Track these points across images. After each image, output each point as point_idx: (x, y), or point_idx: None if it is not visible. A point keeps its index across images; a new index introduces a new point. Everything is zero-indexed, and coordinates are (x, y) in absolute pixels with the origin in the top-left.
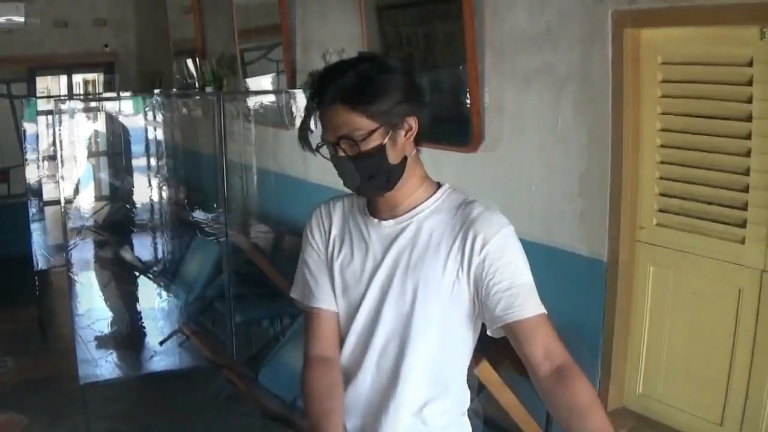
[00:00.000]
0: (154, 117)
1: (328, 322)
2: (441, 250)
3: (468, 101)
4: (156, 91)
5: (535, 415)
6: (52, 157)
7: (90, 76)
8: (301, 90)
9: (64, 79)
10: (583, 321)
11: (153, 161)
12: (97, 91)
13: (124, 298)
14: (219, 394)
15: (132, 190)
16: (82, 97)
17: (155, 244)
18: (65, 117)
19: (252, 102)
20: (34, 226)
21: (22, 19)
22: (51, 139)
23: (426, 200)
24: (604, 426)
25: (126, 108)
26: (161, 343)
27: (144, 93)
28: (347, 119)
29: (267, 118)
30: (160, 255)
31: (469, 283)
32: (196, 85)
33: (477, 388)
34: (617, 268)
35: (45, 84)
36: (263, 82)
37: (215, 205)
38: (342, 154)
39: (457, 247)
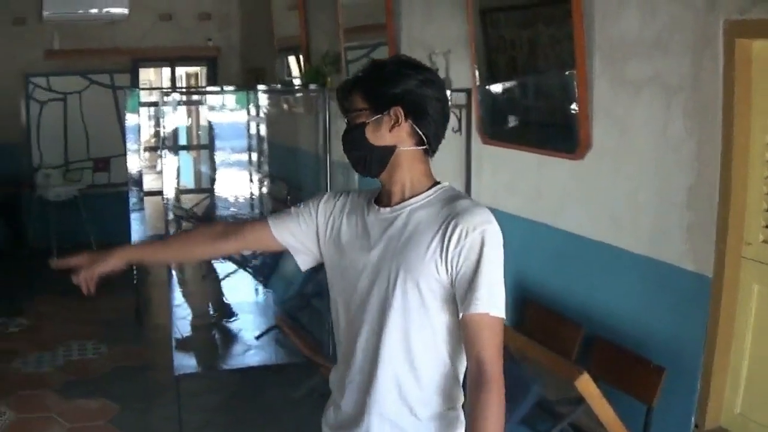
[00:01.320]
0: (257, 112)
1: (259, 230)
2: (424, 237)
3: (575, 107)
4: (259, 86)
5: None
6: (154, 148)
7: (192, 70)
8: None
9: (167, 71)
10: (684, 338)
11: (254, 156)
12: (199, 85)
13: (221, 291)
14: (313, 392)
15: (232, 184)
16: (184, 89)
17: None
18: (167, 109)
19: None
20: (134, 216)
21: (125, 11)
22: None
23: (421, 194)
24: None
25: (228, 102)
26: (258, 337)
27: (248, 87)
28: (353, 97)
29: None
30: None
31: (447, 270)
32: (300, 82)
33: (576, 401)
34: (722, 284)
35: (148, 76)
36: None
37: None
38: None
39: (440, 236)
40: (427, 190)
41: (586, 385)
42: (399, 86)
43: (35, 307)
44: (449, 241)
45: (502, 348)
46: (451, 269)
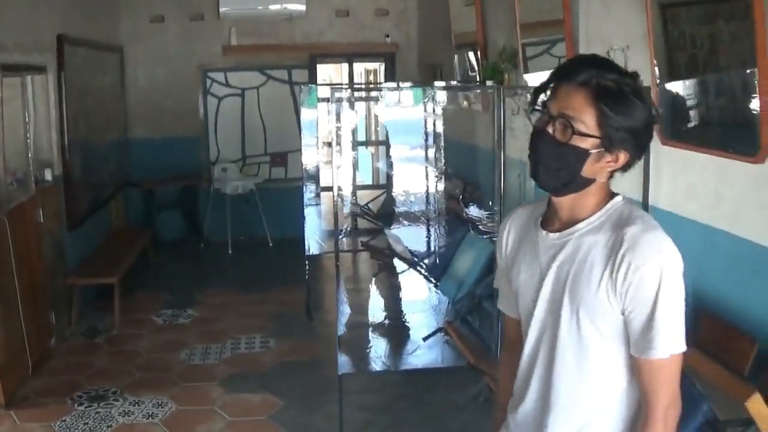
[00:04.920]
0: (434, 109)
1: (509, 324)
2: (594, 271)
3: (756, 108)
4: (436, 82)
5: None
6: (330, 144)
7: (371, 66)
8: None
9: (345, 67)
10: None
11: (430, 153)
12: (377, 81)
13: (391, 290)
14: (478, 397)
15: (408, 181)
16: (362, 86)
17: (428, 237)
18: (345, 105)
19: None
20: (308, 211)
21: (303, 8)
22: (329, 126)
23: (589, 216)
24: None
25: (405, 99)
26: (425, 339)
27: (423, 84)
28: (581, 107)
29: None
30: (431, 248)
31: (620, 308)
32: (477, 78)
33: (747, 421)
34: None
35: (326, 71)
36: (543, 78)
37: (491, 202)
38: (550, 129)
39: (609, 271)
40: (597, 211)
41: (756, 405)
42: (635, 123)
43: (207, 299)
44: (617, 275)
45: (678, 379)
46: (623, 306)
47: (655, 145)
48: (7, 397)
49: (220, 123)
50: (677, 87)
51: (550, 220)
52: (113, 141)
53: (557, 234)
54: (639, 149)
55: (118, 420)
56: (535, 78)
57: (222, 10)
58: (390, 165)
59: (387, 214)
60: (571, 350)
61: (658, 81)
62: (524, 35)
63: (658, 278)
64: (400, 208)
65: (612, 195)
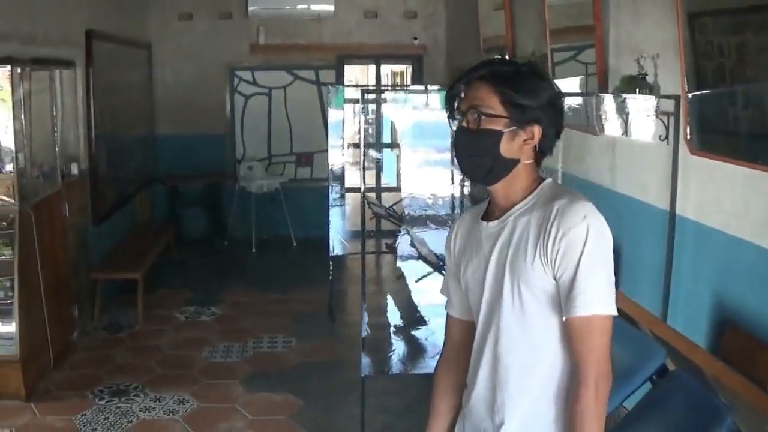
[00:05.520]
0: None
1: (454, 327)
2: (529, 244)
3: None
4: None
5: None
6: (356, 145)
7: (398, 68)
8: (612, 95)
9: (372, 68)
10: None
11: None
12: (404, 83)
13: (415, 292)
14: None
15: (433, 184)
16: (388, 87)
17: None
18: (371, 106)
19: None
20: (333, 211)
21: (331, 8)
22: (356, 126)
23: (522, 199)
24: None
25: (432, 101)
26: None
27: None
28: (484, 95)
29: (576, 121)
30: None
31: (552, 274)
32: None
33: None
34: None
35: (352, 73)
36: (571, 83)
37: None
38: (465, 124)
39: (541, 243)
40: (529, 194)
41: None
42: (539, 100)
43: (230, 297)
44: (547, 243)
45: (608, 346)
46: (554, 272)
47: (684, 155)
48: (28, 389)
49: (247, 121)
50: (705, 96)
51: (491, 213)
52: (139, 137)
53: (496, 222)
54: (551, 125)
55: (138, 415)
56: (564, 84)
57: (251, 9)
58: (416, 167)
59: (410, 215)
60: (516, 323)
61: (687, 90)
62: (553, 40)
63: (582, 242)
64: (426, 211)
65: (542, 180)
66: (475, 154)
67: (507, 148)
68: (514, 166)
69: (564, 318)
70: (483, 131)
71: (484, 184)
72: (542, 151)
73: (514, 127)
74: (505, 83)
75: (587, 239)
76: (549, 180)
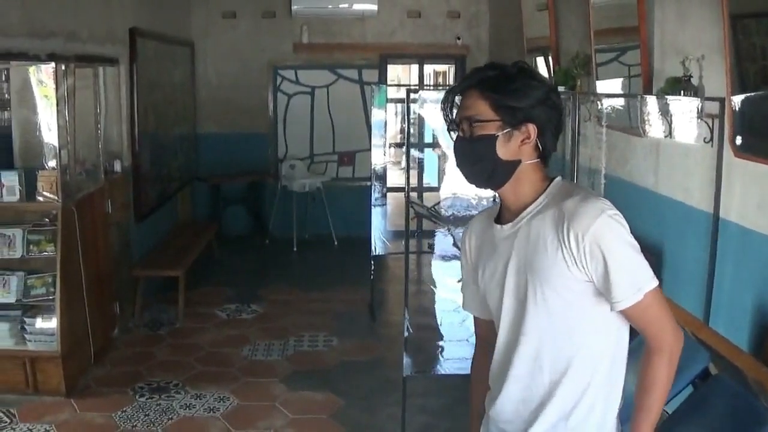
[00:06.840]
0: None
1: (478, 324)
2: (547, 245)
3: None
4: None
5: None
6: (399, 145)
7: (441, 68)
8: (656, 96)
9: (415, 68)
10: None
11: None
12: (447, 83)
13: (456, 292)
14: None
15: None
16: (432, 87)
17: None
18: (414, 106)
19: (604, 105)
20: (375, 211)
21: (375, 8)
22: (399, 126)
23: (534, 200)
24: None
25: None
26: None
27: None
28: (474, 103)
29: (619, 123)
30: None
31: (585, 277)
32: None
33: None
34: None
35: (395, 72)
36: (614, 85)
37: None
38: (461, 133)
39: (558, 243)
40: (540, 194)
41: None
42: (530, 100)
43: (271, 296)
44: (569, 248)
45: (667, 310)
46: (588, 275)
47: (727, 157)
48: (68, 385)
49: (289, 120)
50: (749, 99)
51: (503, 216)
52: (182, 135)
53: (510, 224)
54: (547, 121)
55: (179, 413)
56: (605, 85)
57: (294, 8)
58: (455, 168)
59: (453, 216)
60: (542, 325)
61: (731, 92)
62: (598, 41)
63: (604, 235)
64: (470, 212)
65: (552, 179)
66: (474, 161)
67: (504, 150)
68: (516, 167)
69: (616, 311)
70: (478, 138)
71: (491, 189)
72: (544, 149)
73: (507, 129)
74: (491, 88)
75: (609, 231)
76: (559, 178)
